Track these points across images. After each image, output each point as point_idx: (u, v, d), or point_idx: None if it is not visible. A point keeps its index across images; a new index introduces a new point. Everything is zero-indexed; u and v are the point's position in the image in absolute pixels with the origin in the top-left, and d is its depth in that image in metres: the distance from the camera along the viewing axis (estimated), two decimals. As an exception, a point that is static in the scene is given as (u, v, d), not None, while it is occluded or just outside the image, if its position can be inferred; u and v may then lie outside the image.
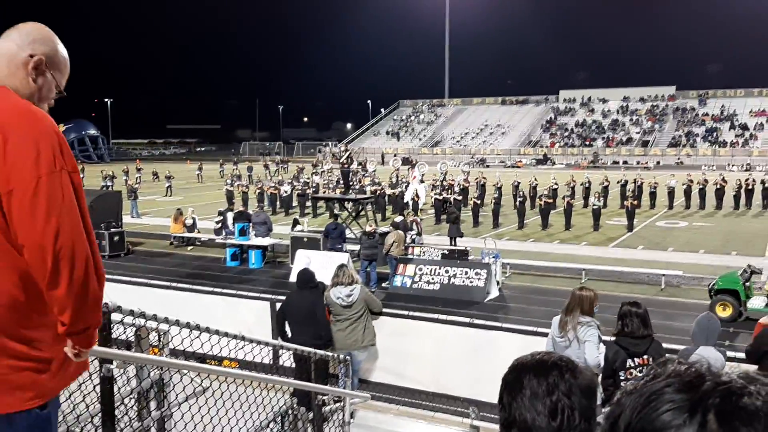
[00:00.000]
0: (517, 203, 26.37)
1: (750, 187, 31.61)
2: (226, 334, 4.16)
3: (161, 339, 4.58)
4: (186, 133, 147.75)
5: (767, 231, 24.81)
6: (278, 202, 32.61)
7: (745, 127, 71.85)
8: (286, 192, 32.40)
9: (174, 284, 14.52)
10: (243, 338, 4.38)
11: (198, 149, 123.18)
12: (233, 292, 12.81)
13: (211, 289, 13.28)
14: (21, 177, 1.90)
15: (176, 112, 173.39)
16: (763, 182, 31.89)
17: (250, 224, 19.76)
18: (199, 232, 23.03)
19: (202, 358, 4.91)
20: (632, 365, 5.33)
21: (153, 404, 4.21)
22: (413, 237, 18.60)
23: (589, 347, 5.62)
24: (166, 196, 39.67)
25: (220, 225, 22.22)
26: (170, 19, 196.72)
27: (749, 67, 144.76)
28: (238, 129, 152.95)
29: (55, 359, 2.05)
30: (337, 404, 5.84)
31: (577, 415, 1.41)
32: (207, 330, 4.03)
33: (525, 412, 1.44)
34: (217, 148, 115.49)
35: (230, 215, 22.20)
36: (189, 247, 22.36)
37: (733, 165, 58.93)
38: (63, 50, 2.24)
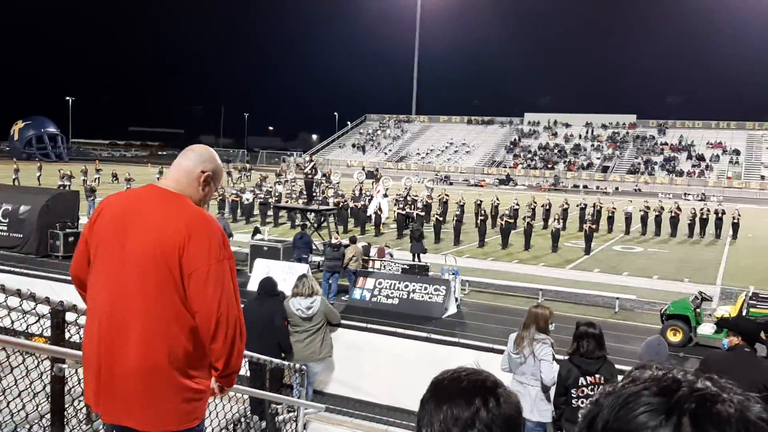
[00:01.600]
0: (479, 222, 26.62)
1: (704, 216, 32.45)
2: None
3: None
4: (148, 136, 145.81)
5: (719, 260, 25.49)
6: (239, 210, 32.32)
7: (701, 158, 73.87)
8: (247, 200, 32.15)
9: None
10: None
11: (160, 153, 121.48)
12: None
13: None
14: (198, 264, 2.61)
15: (139, 115, 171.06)
16: (716, 212, 32.78)
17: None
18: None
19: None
20: (584, 383, 5.42)
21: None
22: (390, 252, 18.75)
23: (545, 366, 5.71)
24: (125, 198, 38.93)
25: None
26: (138, 21, 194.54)
27: (707, 100, 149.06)
28: (201, 134, 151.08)
29: (207, 391, 2.78)
30: (291, 414, 5.80)
31: None
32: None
33: None
34: (180, 153, 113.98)
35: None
36: (146, 251, 21.99)
37: (688, 194, 60.42)
38: (221, 164, 3.05)
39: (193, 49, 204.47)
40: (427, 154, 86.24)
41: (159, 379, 2.59)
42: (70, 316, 3.60)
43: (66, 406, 3.67)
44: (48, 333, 3.54)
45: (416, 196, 32.63)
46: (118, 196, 2.90)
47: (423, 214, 29.63)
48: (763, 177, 68.97)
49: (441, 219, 27.91)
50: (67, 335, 3.67)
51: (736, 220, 31.74)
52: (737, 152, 74.02)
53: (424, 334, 9.80)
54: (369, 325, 10.00)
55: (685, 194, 60.11)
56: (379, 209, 28.50)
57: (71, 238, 20.04)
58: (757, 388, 4.79)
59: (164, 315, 2.60)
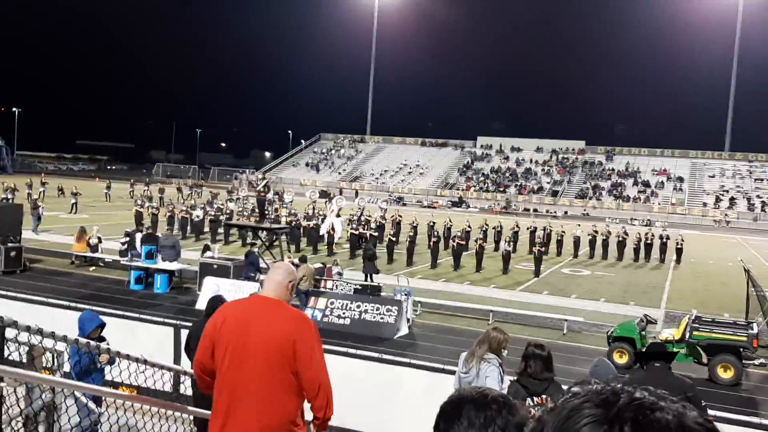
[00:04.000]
0: (432, 243, 26.76)
1: (649, 241, 33.30)
2: (128, 357, 3.99)
3: (55, 360, 4.35)
4: (97, 150, 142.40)
5: (663, 283, 26.16)
6: (189, 227, 31.79)
7: (647, 184, 75.99)
8: (198, 217, 31.68)
9: (71, 305, 13.82)
10: (145, 362, 4.21)
11: (108, 167, 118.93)
12: (135, 315, 12.31)
13: (111, 311, 12.71)
14: (305, 349, 3.70)
15: (88, 128, 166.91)
16: (661, 237, 33.69)
17: (159, 247, 19.16)
18: (103, 252, 22.14)
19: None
20: (531, 404, 5.46)
21: (42, 428, 3.97)
22: (338, 271, 18.63)
23: (489, 382, 5.72)
24: (70, 213, 37.99)
25: (126, 246, 21.43)
26: (88, 33, 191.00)
27: (653, 128, 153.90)
28: (152, 149, 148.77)
29: None
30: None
31: None
32: (107, 352, 3.86)
33: None
34: (129, 168, 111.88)
35: (138, 236, 21.46)
36: (91, 268, 21.44)
37: (634, 219, 61.96)
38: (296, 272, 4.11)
39: (144, 62, 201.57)
40: (381, 174, 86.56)
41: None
42: (10, 333, 3.46)
43: (3, 426, 3.52)
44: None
45: (369, 216, 32.66)
46: (236, 305, 4.02)
47: (376, 234, 29.64)
48: (705, 204, 71.29)
49: (394, 240, 27.97)
50: (6, 352, 3.53)
51: (679, 245, 32.67)
52: (681, 179, 76.45)
53: (376, 355, 9.74)
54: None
55: (631, 219, 61.62)
56: (332, 229, 28.41)
57: (13, 253, 19.40)
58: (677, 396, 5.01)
59: (279, 387, 3.66)
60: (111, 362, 5.80)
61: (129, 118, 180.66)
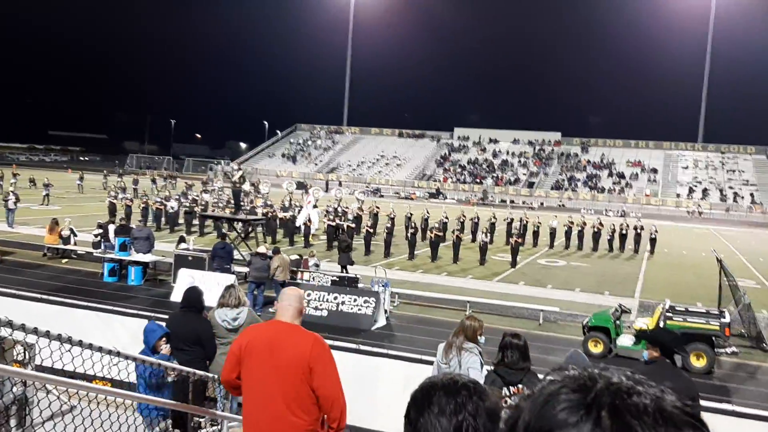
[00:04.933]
0: (409, 234, 26.78)
1: (624, 232, 33.67)
2: (100, 349, 3.92)
3: (26, 353, 4.26)
4: (69, 141, 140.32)
5: (637, 274, 26.47)
6: (164, 219, 31.47)
7: (621, 176, 76.81)
8: (172, 208, 31.36)
9: (44, 297, 13.62)
10: (119, 354, 4.14)
11: (81, 158, 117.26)
12: (109, 308, 12.15)
13: (85, 303, 12.56)
14: (322, 366, 4.16)
15: (60, 119, 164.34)
16: (635, 228, 34.07)
17: (132, 239, 18.93)
18: (76, 244, 21.83)
19: (71, 376, 4.60)
20: (508, 394, 5.48)
21: (13, 422, 3.88)
22: (315, 263, 18.55)
23: (472, 373, 5.73)
24: (42, 204, 37.40)
25: (99, 238, 21.14)
26: (61, 23, 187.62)
27: (628, 120, 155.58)
28: (125, 140, 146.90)
29: None
30: (214, 428, 5.63)
31: None
32: (79, 344, 3.78)
33: (430, 428, 1.46)
34: (102, 159, 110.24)
35: (111, 228, 21.18)
36: (64, 260, 21.12)
37: (609, 210, 62.62)
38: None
39: (118, 52, 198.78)
40: (358, 165, 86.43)
41: None
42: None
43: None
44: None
45: (347, 207, 32.58)
46: (258, 328, 4.51)
47: (353, 226, 29.59)
48: (678, 195, 72.25)
49: (371, 231, 27.94)
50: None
51: (653, 236, 33.06)
52: (655, 171, 77.36)
53: (354, 346, 9.72)
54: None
55: (606, 210, 62.27)
56: (309, 220, 28.30)
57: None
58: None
59: (299, 399, 4.16)
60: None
61: (102, 108, 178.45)
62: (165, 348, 6.17)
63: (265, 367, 4.21)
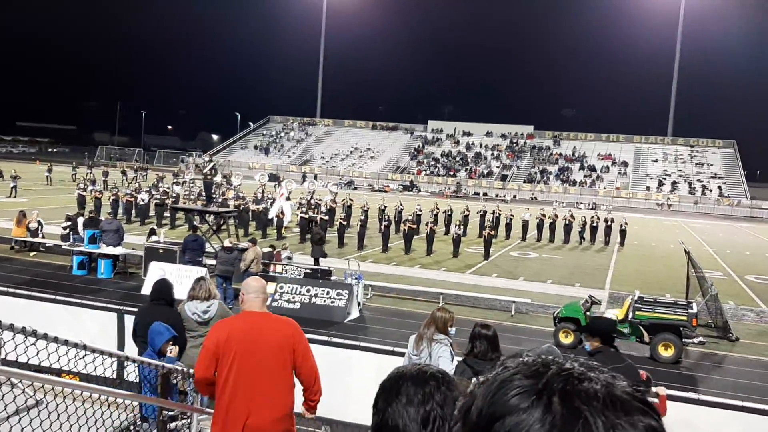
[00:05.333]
0: (383, 227, 26.78)
1: (594, 224, 34.05)
2: (66, 342, 3.84)
3: (-10, 347, 4.17)
4: (37, 132, 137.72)
5: (608, 265, 26.80)
6: (134, 211, 31.09)
7: (593, 169, 77.65)
8: (143, 200, 30.98)
9: (11, 290, 13.35)
10: (85, 347, 4.07)
11: (50, 150, 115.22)
12: (77, 301, 11.96)
13: (53, 297, 12.34)
14: (302, 348, 4.61)
15: (28, 109, 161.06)
16: (606, 221, 34.48)
17: (101, 232, 18.65)
18: (44, 237, 21.45)
19: (38, 369, 4.52)
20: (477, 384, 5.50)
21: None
22: (288, 255, 18.43)
23: (443, 363, 5.75)
24: (9, 196, 36.71)
25: (68, 231, 20.80)
26: (28, 12, 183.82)
27: (599, 114, 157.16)
28: (95, 132, 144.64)
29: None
30: (184, 421, 5.57)
31: (448, 426, 1.44)
32: (45, 337, 3.70)
33: (398, 417, 1.47)
34: (71, 150, 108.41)
35: (81, 221, 20.85)
36: (32, 253, 20.76)
37: (581, 203, 63.31)
38: None
39: (87, 41, 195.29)
40: (331, 158, 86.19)
41: (285, 423, 4.53)
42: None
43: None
44: None
45: (320, 200, 32.48)
46: (234, 321, 4.69)
47: (327, 218, 29.50)
48: (648, 188, 73.27)
49: (345, 223, 27.88)
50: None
51: (623, 228, 33.49)
52: (625, 164, 78.33)
53: (325, 338, 9.69)
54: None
55: (577, 203, 62.94)
56: (282, 213, 28.15)
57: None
58: None
59: (283, 384, 4.48)
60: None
61: (71, 99, 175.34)
62: (173, 350, 6.07)
63: (249, 356, 4.38)
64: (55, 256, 20.23)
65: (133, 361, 5.14)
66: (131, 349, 7.84)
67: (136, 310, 8.88)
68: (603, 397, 0.74)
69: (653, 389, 6.49)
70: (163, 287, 7.82)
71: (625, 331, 13.98)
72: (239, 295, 4.93)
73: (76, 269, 18.21)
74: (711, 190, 71.55)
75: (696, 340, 13.91)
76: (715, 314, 16.33)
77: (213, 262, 18.24)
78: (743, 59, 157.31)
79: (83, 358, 4.21)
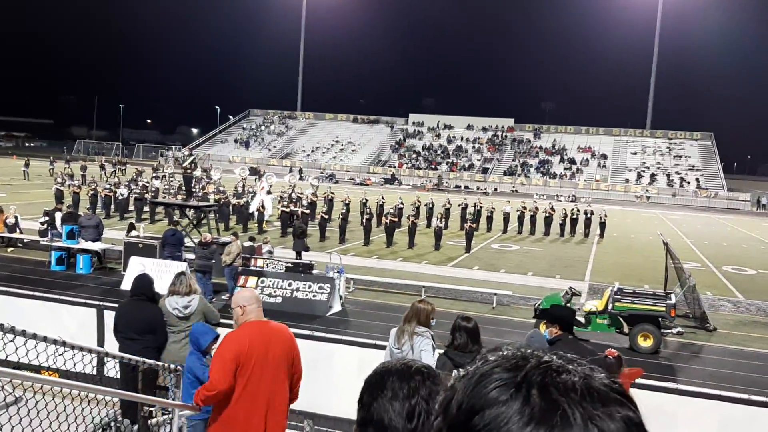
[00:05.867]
0: (364, 220, 26.78)
1: (574, 216, 34.30)
2: (45, 339, 3.81)
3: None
4: (14, 126, 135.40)
5: (587, 257, 27.03)
6: (113, 205, 30.81)
7: (573, 162, 78.14)
8: (122, 195, 30.69)
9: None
10: (64, 344, 4.03)
11: (27, 144, 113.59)
12: (56, 297, 11.83)
13: (30, 293, 12.20)
14: (297, 353, 4.95)
15: (4, 103, 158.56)
16: (585, 213, 34.75)
17: (80, 227, 18.45)
18: (21, 232, 21.19)
19: (16, 366, 4.47)
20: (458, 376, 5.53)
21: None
22: (269, 250, 18.37)
23: (425, 356, 5.77)
24: (-15, 191, 36.20)
25: (46, 226, 20.56)
26: (2, 4, 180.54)
27: (579, 107, 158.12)
28: (73, 126, 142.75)
29: None
30: (165, 417, 5.54)
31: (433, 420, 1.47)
32: (23, 333, 3.66)
33: (383, 412, 1.48)
34: (49, 145, 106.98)
35: (59, 216, 20.62)
36: (9, 249, 20.50)
37: (561, 196, 63.69)
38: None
39: (64, 33, 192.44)
40: (312, 151, 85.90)
41: (285, 419, 4.90)
42: None
43: None
44: None
45: (301, 193, 32.40)
46: (249, 331, 4.77)
47: (308, 212, 29.43)
48: (627, 180, 73.90)
49: (326, 217, 27.84)
50: None
51: (603, 221, 33.78)
52: (605, 156, 78.93)
53: (306, 332, 9.68)
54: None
55: (557, 195, 63.31)
56: (263, 206, 28.04)
57: None
58: None
59: (287, 385, 4.82)
60: None
61: (48, 93, 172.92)
62: None
63: (262, 363, 4.68)
64: (33, 252, 20.00)
65: (114, 357, 5.10)
66: (111, 345, 7.78)
67: (116, 305, 8.81)
68: (581, 389, 0.75)
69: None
70: (144, 282, 7.76)
71: (605, 322, 14.13)
72: (234, 306, 4.92)
73: (55, 265, 18.01)
74: (689, 182, 72.32)
75: (674, 331, 14.09)
76: (693, 305, 16.52)
77: (193, 256, 18.14)
78: (721, 53, 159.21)
79: (63, 354, 4.17)
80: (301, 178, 48.58)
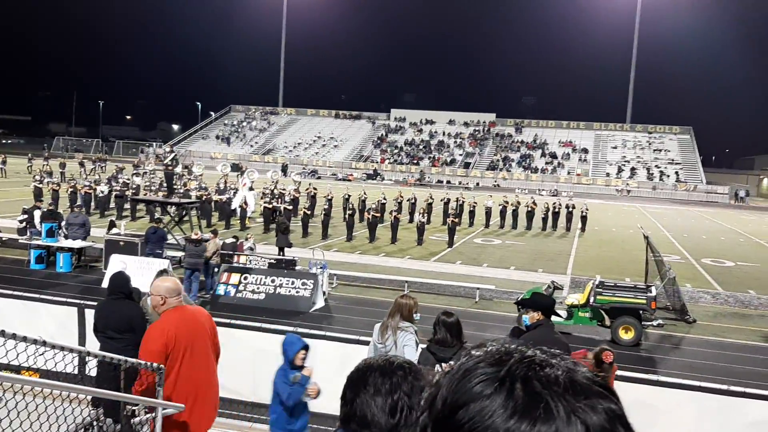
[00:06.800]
0: (347, 216, 26.75)
1: (556, 210, 34.52)
2: (25, 339, 3.77)
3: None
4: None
5: (569, 251, 27.21)
6: (93, 203, 30.51)
7: (554, 156, 78.58)
8: (102, 192, 30.42)
9: (-34, 287, 13.00)
10: (45, 343, 3.99)
11: (4, 141, 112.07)
12: (35, 296, 11.71)
13: (9, 292, 12.05)
14: (216, 330, 5.35)
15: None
16: (567, 207, 34.99)
17: (60, 225, 18.25)
18: (0, 230, 20.93)
19: (-5, 367, 4.42)
20: (440, 371, 5.55)
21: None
22: (251, 246, 18.27)
23: (408, 351, 5.79)
24: (-38, 190, 35.68)
25: (24, 224, 20.32)
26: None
27: (560, 102, 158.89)
28: (51, 122, 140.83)
29: None
30: (148, 415, 5.51)
31: (415, 416, 1.45)
32: (2, 333, 3.62)
33: (366, 408, 1.50)
34: (26, 142, 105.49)
35: (38, 214, 20.38)
36: (-13, 247, 20.24)
37: (542, 190, 64.07)
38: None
39: (41, 28, 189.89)
40: (294, 147, 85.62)
41: (218, 395, 5.29)
42: None
43: None
44: None
45: (283, 189, 32.29)
46: (173, 318, 4.92)
47: (290, 208, 29.35)
48: (608, 174, 74.46)
49: (309, 213, 27.79)
50: None
51: (584, 214, 34.02)
52: (586, 151, 79.44)
53: (291, 328, 9.67)
54: (232, 321, 9.71)
55: (539, 190, 63.67)
56: (245, 203, 27.91)
57: None
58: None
59: (215, 361, 5.19)
60: (317, 396, 5.75)
61: (25, 88, 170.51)
62: (307, 368, 5.79)
63: (191, 347, 4.89)
64: (11, 250, 19.76)
65: (95, 356, 5.06)
66: (92, 344, 7.72)
67: (95, 304, 8.74)
68: (564, 383, 0.76)
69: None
70: (119, 280, 7.65)
71: (587, 315, 14.25)
72: (153, 294, 5.02)
73: (34, 263, 17.82)
74: (668, 176, 73.04)
75: (655, 323, 14.24)
76: (673, 297, 16.72)
77: (175, 253, 18.03)
78: (699, 48, 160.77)
79: (43, 354, 4.13)
80: (285, 175, 48.47)
